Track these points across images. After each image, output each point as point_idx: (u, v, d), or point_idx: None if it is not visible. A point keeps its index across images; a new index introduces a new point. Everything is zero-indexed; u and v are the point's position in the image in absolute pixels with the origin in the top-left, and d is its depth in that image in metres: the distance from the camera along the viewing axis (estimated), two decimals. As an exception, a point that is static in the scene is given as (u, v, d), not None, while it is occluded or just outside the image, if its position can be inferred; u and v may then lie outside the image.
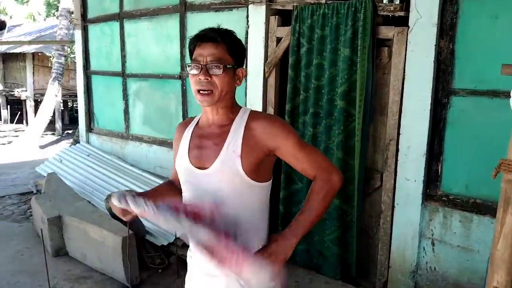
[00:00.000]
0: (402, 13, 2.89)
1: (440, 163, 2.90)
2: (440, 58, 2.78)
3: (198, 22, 4.26)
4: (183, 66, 4.47)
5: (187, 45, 4.26)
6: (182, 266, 3.46)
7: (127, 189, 1.36)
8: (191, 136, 1.46)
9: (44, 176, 6.13)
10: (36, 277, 3.34)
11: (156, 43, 4.78)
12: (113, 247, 3.15)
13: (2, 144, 11.39)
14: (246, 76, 1.39)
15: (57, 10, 25.73)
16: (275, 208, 3.78)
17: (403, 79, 2.90)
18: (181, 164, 1.45)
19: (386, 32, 2.99)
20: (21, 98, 15.36)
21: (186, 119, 1.59)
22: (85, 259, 3.49)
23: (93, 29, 5.73)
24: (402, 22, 2.93)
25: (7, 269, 3.47)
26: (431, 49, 2.74)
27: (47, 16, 26.02)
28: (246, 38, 3.82)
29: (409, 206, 2.98)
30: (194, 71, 1.34)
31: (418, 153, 2.90)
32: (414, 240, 2.99)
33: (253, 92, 3.80)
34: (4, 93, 15.88)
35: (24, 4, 27.61)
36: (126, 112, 5.35)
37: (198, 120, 1.51)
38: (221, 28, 1.39)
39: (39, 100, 15.21)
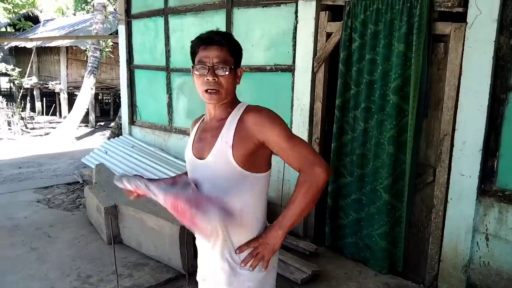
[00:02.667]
0: (460, 9, 2.90)
1: (496, 159, 2.91)
2: (499, 54, 2.78)
3: (245, 18, 4.34)
4: (228, 61, 4.54)
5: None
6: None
7: (136, 173, 1.57)
8: (197, 130, 1.62)
9: (86, 166, 6.38)
10: (95, 263, 3.51)
11: (201, 38, 4.87)
12: (170, 235, 3.27)
13: (39, 135, 11.78)
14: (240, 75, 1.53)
15: (86, 4, 26.23)
16: (323, 201, 3.85)
17: (460, 74, 2.92)
18: (187, 155, 1.59)
19: (442, 28, 3.00)
20: (55, 91, 15.80)
21: (199, 116, 1.72)
22: (141, 247, 3.64)
23: (136, 24, 5.87)
24: (459, 17, 2.93)
25: (67, 255, 3.65)
26: (490, 45, 2.75)
27: (75, 10, 26.55)
28: (294, 33, 3.88)
29: (463, 201, 3.00)
30: (201, 72, 1.45)
31: (473, 149, 2.91)
32: (467, 234, 3.01)
33: (301, 86, 3.86)
34: (38, 85, 16.36)
35: (54, -1, 28.17)
36: (170, 105, 5.48)
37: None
38: (222, 31, 1.52)
39: (72, 92, 15.64)
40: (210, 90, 1.45)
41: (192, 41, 1.51)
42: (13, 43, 16.81)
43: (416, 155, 3.19)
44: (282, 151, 1.45)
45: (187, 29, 5.04)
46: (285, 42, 3.98)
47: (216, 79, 1.44)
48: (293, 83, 3.94)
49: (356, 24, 3.38)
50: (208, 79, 1.44)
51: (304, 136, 3.87)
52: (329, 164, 3.67)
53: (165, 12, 5.29)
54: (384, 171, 3.28)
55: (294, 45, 3.89)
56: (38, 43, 14.80)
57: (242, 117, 1.47)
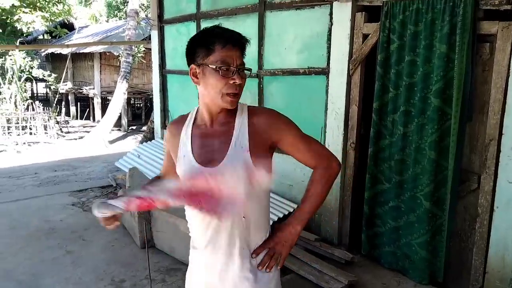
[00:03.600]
0: (508, 7, 2.74)
1: (549, 166, 2.73)
2: (554, 53, 2.61)
3: (277, 21, 4.28)
4: (260, 65, 4.50)
5: (264, 45, 4.26)
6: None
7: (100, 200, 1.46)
8: (191, 136, 1.48)
9: (119, 170, 6.47)
10: (129, 267, 3.52)
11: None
12: (203, 241, 3.23)
13: (74, 139, 12.09)
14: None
15: (119, 11, 26.89)
16: (359, 208, 3.74)
17: (507, 76, 2.75)
18: (185, 165, 1.46)
19: (488, 27, 2.85)
20: (89, 96, 16.22)
21: (177, 118, 1.60)
22: (174, 252, 3.63)
23: (169, 29, 5.92)
24: (507, 16, 2.78)
25: (102, 258, 3.68)
26: (544, 44, 2.58)
27: (108, 17, 27.28)
28: (329, 35, 3.79)
29: (511, 209, 2.83)
30: (224, 74, 1.34)
31: (523, 155, 2.75)
32: (515, 246, 2.84)
33: (336, 90, 3.77)
34: (73, 90, 16.84)
35: (87, 6, 29.09)
36: (201, 109, 5.48)
37: (194, 119, 1.53)
38: (234, 30, 1.41)
39: (105, 97, 16.01)
40: (233, 94, 1.38)
41: (205, 36, 1.38)
42: (50, 49, 17.37)
43: (459, 161, 3.04)
44: (298, 151, 1.48)
45: (219, 33, 5.02)
46: (319, 44, 3.89)
47: (241, 82, 1.38)
48: (327, 86, 3.85)
49: (394, 24, 3.27)
50: (235, 82, 1.36)
51: (339, 140, 3.77)
52: (366, 169, 3.57)
53: (197, 17, 5.30)
54: (425, 177, 3.14)
55: (329, 48, 3.80)
56: (73, 49, 15.24)
57: (252, 120, 1.44)
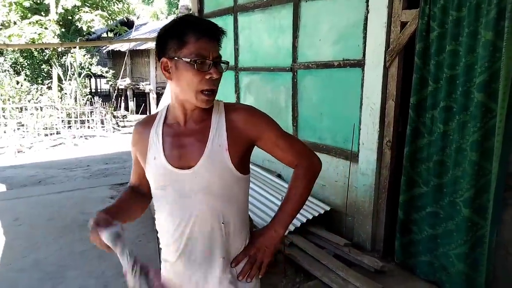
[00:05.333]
0: None
1: None
2: None
3: (312, 11, 4.05)
4: (294, 58, 4.30)
5: (299, 36, 4.08)
6: (289, 265, 3.33)
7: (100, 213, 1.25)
8: (162, 136, 1.35)
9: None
10: (150, 263, 3.48)
11: (268, 35, 4.69)
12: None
13: (129, 133, 12.54)
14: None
15: (177, 8, 27.65)
16: (392, 213, 3.44)
17: None
18: (157, 167, 1.32)
19: (544, 9, 2.46)
20: (145, 91, 16.80)
21: (145, 118, 1.44)
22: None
23: None
24: None
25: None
26: None
27: (168, 15, 28.12)
28: (365, 24, 3.50)
29: None
30: (200, 68, 1.21)
31: None
32: None
33: (371, 83, 3.48)
34: (131, 86, 17.51)
35: (149, 4, 30.16)
36: (238, 104, 5.38)
37: (164, 118, 1.37)
38: (206, 19, 1.28)
39: (160, 92, 16.48)
40: (209, 92, 1.25)
41: (177, 26, 1.24)
42: (111, 47, 18.16)
43: (505, 164, 2.67)
44: (278, 149, 1.38)
45: (255, 26, 4.89)
46: (355, 34, 3.62)
47: (218, 77, 1.25)
48: (362, 79, 3.57)
49: (435, 10, 2.93)
50: (212, 77, 1.23)
51: (374, 138, 3.49)
52: (401, 171, 3.26)
53: (235, 10, 5.19)
54: (465, 181, 2.80)
55: (365, 38, 3.52)
56: (131, 46, 15.81)
57: (229, 117, 1.31)
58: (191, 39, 1.21)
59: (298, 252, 3.41)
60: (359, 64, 3.60)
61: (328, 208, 3.92)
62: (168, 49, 1.25)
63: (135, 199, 1.48)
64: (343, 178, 3.83)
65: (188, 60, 1.20)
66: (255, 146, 1.38)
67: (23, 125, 11.34)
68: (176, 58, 1.23)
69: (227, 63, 1.29)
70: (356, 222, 3.72)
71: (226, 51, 5.45)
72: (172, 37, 1.24)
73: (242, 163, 1.32)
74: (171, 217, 1.34)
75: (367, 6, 3.46)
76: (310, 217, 3.74)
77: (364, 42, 3.53)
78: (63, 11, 14.84)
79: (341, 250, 3.45)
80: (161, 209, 1.37)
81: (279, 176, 4.66)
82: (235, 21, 5.20)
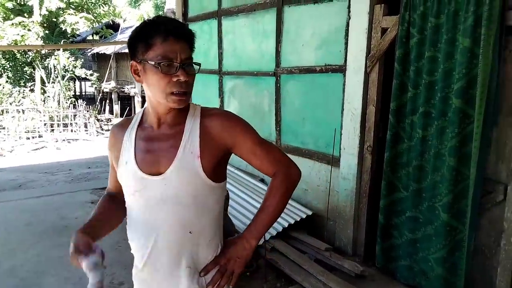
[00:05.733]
0: (541, -6, 2.39)
1: None
2: None
3: (295, 16, 4.06)
4: (278, 63, 4.31)
5: (282, 41, 4.09)
6: (270, 270, 3.32)
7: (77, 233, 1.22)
8: (135, 140, 1.31)
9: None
10: (129, 269, 3.42)
11: (251, 40, 4.69)
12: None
13: (113, 136, 12.41)
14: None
15: (164, 12, 27.57)
16: (373, 218, 3.46)
17: (540, 73, 2.41)
18: (128, 172, 1.29)
19: (519, 17, 2.51)
20: (130, 94, 16.66)
21: (121, 121, 1.41)
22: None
23: (192, 27, 5.76)
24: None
25: (105, 260, 3.62)
26: None
27: (155, 18, 28.00)
28: (347, 30, 3.53)
29: (542, 227, 2.47)
30: (166, 70, 1.17)
31: (557, 164, 2.38)
32: (547, 268, 2.47)
33: (352, 88, 3.50)
34: (116, 89, 17.36)
35: (136, 7, 30.03)
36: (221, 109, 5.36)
37: (140, 121, 1.34)
38: (176, 19, 1.24)
39: (145, 96, 16.37)
40: (179, 93, 1.20)
41: (144, 28, 1.21)
42: (95, 49, 17.98)
43: (482, 170, 2.70)
44: (254, 157, 1.31)
45: (238, 30, 4.89)
46: (337, 40, 3.64)
47: (188, 79, 1.20)
48: (344, 84, 3.59)
49: (414, 17, 2.97)
50: (179, 80, 1.18)
51: (355, 143, 3.51)
52: (382, 176, 3.28)
53: (219, 14, 5.18)
54: (444, 186, 2.82)
55: (346, 43, 3.54)
56: (116, 49, 15.68)
57: (204, 122, 1.27)
58: (156, 41, 1.18)
59: (279, 257, 3.40)
60: (341, 69, 3.62)
61: (310, 213, 3.92)
62: (136, 52, 1.22)
63: (114, 207, 1.43)
64: (325, 182, 3.84)
65: (153, 62, 1.17)
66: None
67: (4, 128, 11.14)
68: (143, 61, 1.20)
69: (199, 64, 1.25)
70: (338, 226, 3.73)
71: (210, 55, 5.44)
72: (140, 40, 1.21)
73: (215, 171, 1.27)
74: (139, 224, 1.31)
75: (349, 12, 3.48)
76: (292, 221, 3.73)
77: (346, 48, 3.55)
78: (47, 13, 14.66)
79: (322, 254, 3.45)
80: (131, 215, 1.34)
81: (262, 180, 4.65)
82: (219, 25, 5.20)
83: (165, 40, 1.17)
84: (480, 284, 2.89)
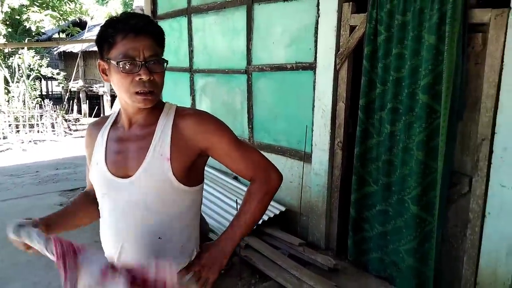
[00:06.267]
0: (501, -7, 2.49)
1: (545, 168, 2.47)
2: (550, 43, 2.34)
3: (265, 14, 4.08)
4: (249, 61, 4.31)
5: (253, 39, 4.09)
6: (245, 267, 3.33)
7: (25, 219, 1.18)
8: (107, 140, 1.28)
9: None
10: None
11: (222, 37, 4.67)
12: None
13: (81, 136, 12.11)
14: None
15: (132, 9, 27.08)
16: (345, 212, 3.52)
17: (501, 69, 2.50)
18: (98, 174, 1.26)
19: (480, 15, 2.59)
20: (99, 93, 16.30)
21: (98, 119, 1.39)
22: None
23: (162, 25, 5.68)
24: (501, 2, 2.52)
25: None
26: (538, 33, 2.32)
27: (123, 16, 27.49)
28: (316, 28, 3.57)
29: (504, 216, 2.57)
30: (128, 69, 1.14)
31: (517, 156, 2.49)
32: (509, 256, 2.57)
33: (322, 86, 3.55)
34: (84, 88, 16.94)
35: (104, 5, 29.35)
36: (193, 107, 5.32)
37: (114, 120, 1.32)
38: (140, 14, 1.19)
39: (114, 95, 16.07)
40: (144, 92, 1.16)
41: (105, 26, 1.18)
42: (62, 48, 17.49)
43: (449, 163, 2.79)
44: (231, 160, 1.25)
45: (209, 28, 4.86)
46: (306, 38, 3.68)
47: (152, 78, 1.16)
48: (314, 82, 3.63)
49: (381, 15, 3.03)
50: (142, 79, 1.14)
51: (326, 139, 3.56)
52: (353, 170, 3.35)
53: (189, 12, 5.14)
54: (413, 179, 2.90)
55: (316, 41, 3.58)
56: (83, 47, 15.30)
57: (177, 123, 1.22)
58: (118, 39, 1.14)
59: (253, 253, 3.41)
60: (311, 67, 3.66)
61: (283, 209, 3.95)
62: (102, 51, 1.20)
63: (85, 204, 1.40)
64: (297, 178, 3.88)
65: (115, 62, 1.14)
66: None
67: (-35, 130, 10.70)
68: (108, 60, 1.17)
69: (166, 61, 1.21)
70: (311, 221, 3.78)
71: (180, 52, 5.39)
72: (104, 38, 1.18)
73: (188, 174, 1.22)
74: (108, 227, 1.28)
75: (318, 10, 3.52)
76: (266, 218, 3.75)
77: (316, 46, 3.59)
78: (9, 10, 14.14)
79: (295, 250, 3.48)
80: (102, 217, 1.31)
81: (235, 178, 4.65)
82: (189, 22, 5.15)
83: (125, 38, 1.14)
84: (448, 272, 2.99)
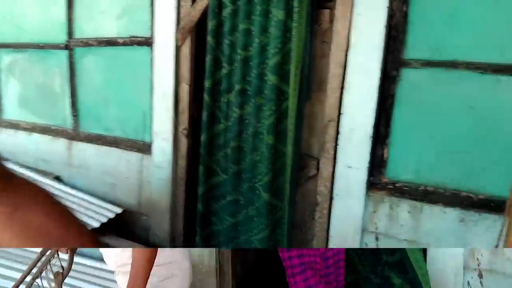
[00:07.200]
0: (347, -32, 2.45)
1: (386, 147, 2.54)
2: (392, 23, 2.38)
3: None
4: (70, 33, 3.59)
5: (75, 7, 3.39)
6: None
7: None
8: None
9: None
10: None
11: (35, 3, 3.80)
12: None
13: None
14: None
15: None
16: (192, 207, 3.19)
17: (347, 48, 2.47)
18: None
19: (328, -10, 2.54)
20: None
21: None
22: None
23: None
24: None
25: None
26: (382, 11, 2.33)
27: None
28: (152, -3, 3.11)
29: (350, 197, 2.59)
30: None
31: (362, 137, 2.50)
32: (355, 236, 2.60)
33: (162, 65, 3.12)
34: None
35: None
36: (-3, 91, 4.26)
37: None
38: None
39: None
40: None
41: None
42: None
43: (298, 146, 2.70)
44: None
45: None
46: (142, 7, 3.18)
47: None
48: (152, 60, 3.18)
49: (226, -15, 2.76)
50: None
51: (168, 126, 3.15)
52: (199, 159, 3.02)
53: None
54: (264, 166, 2.73)
55: (153, 12, 3.12)
56: None
57: None
58: None
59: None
60: (148, 42, 3.19)
61: (119, 211, 3.39)
62: None
63: None
64: (136, 173, 3.38)
65: None
66: None
67: None
68: None
69: None
70: (152, 221, 3.33)
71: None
72: None
73: None
74: None
75: (154, -23, 3.07)
76: (97, 224, 3.14)
77: (152, 17, 3.13)
78: None
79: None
80: None
81: (57, 178, 3.86)
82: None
83: None
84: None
